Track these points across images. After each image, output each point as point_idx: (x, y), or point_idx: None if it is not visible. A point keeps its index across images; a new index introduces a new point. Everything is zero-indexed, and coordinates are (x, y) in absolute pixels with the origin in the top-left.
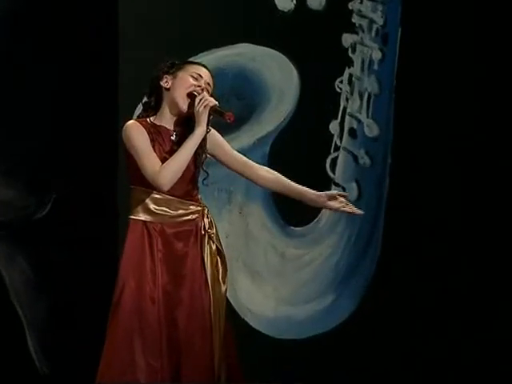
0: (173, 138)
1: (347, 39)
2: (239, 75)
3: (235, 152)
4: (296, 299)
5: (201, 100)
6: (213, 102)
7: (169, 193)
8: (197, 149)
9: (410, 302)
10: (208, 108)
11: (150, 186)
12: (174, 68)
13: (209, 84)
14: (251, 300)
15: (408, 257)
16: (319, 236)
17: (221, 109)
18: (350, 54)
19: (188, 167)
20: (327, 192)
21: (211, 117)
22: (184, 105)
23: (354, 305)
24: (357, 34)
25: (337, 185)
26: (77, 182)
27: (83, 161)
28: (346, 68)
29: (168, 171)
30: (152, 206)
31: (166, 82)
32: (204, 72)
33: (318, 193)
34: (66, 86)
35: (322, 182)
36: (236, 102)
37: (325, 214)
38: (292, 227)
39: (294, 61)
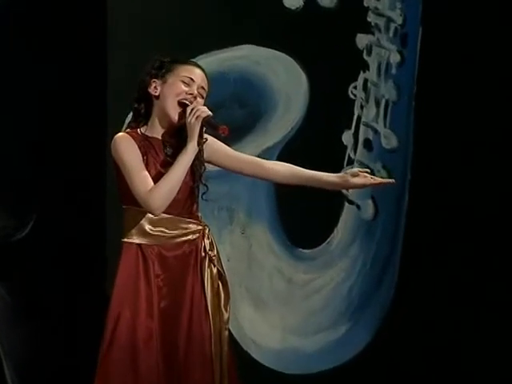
0: (166, 151)
1: (362, 40)
2: (242, 80)
3: (237, 152)
4: (305, 329)
5: (192, 111)
6: (205, 112)
7: (166, 211)
8: (193, 161)
9: (431, 332)
10: (200, 119)
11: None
12: (163, 70)
13: (203, 88)
14: (255, 330)
15: (429, 283)
16: (331, 259)
17: (214, 121)
18: (365, 57)
19: (185, 181)
20: (347, 171)
21: (205, 128)
22: (175, 115)
23: (370, 336)
24: (373, 34)
25: (350, 202)
26: (60, 200)
27: (68, 178)
28: (361, 72)
29: (160, 194)
30: (148, 227)
31: (155, 88)
32: (197, 74)
33: (338, 174)
34: (51, 94)
35: (334, 199)
36: (238, 110)
37: (337, 235)
38: (300, 249)
39: (303, 64)
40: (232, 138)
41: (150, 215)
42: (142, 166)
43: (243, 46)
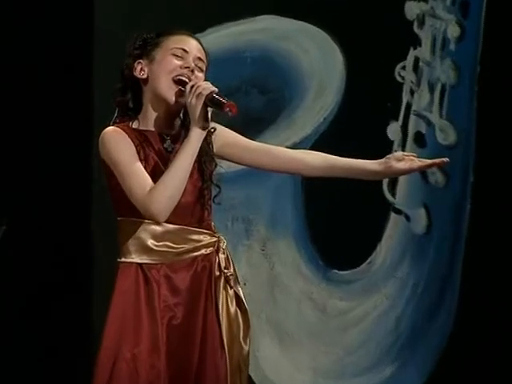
0: (166, 145)
1: (412, 8)
2: (262, 59)
3: (254, 142)
4: (341, 371)
5: (192, 88)
6: (208, 88)
7: (171, 220)
8: (201, 156)
9: (498, 377)
10: (203, 98)
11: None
12: (147, 47)
13: (200, 59)
14: (278, 372)
15: (497, 312)
16: (373, 283)
17: (219, 96)
18: (416, 30)
19: (192, 181)
20: (389, 156)
21: (209, 109)
22: (172, 96)
23: (421, 380)
24: (425, 1)
25: (398, 211)
26: (38, 210)
27: (47, 183)
28: (411, 49)
29: (161, 194)
30: (150, 242)
31: (142, 70)
32: (190, 44)
33: (379, 160)
34: (29, 90)
35: (378, 208)
36: (258, 97)
37: (381, 253)
38: (335, 271)
39: (339, 39)
40: (250, 131)
41: (152, 227)
42: (138, 162)
43: (264, 16)
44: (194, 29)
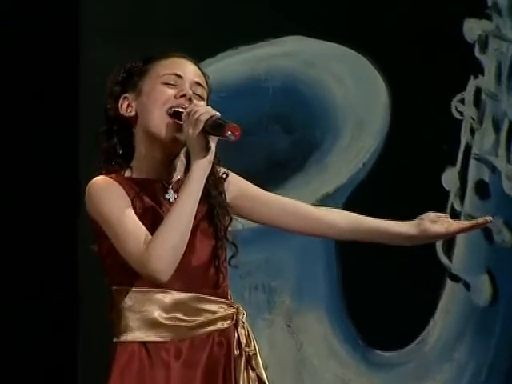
0: (168, 196)
1: (473, 28)
2: (287, 90)
3: (273, 195)
4: None
5: (189, 116)
6: (207, 113)
7: (181, 286)
8: (212, 207)
9: None
10: (201, 124)
11: (149, 283)
12: (133, 78)
13: (198, 84)
14: None
15: None
16: (424, 367)
17: (221, 120)
18: (478, 54)
19: (205, 239)
20: (421, 216)
21: (212, 138)
22: (167, 133)
23: None
24: (489, 19)
25: (455, 278)
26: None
27: (29, 250)
28: (471, 78)
29: (161, 247)
30: (158, 314)
31: (128, 106)
32: (185, 67)
33: (411, 222)
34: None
35: (431, 274)
36: (282, 137)
37: (434, 330)
38: (378, 351)
39: (381, 65)
40: (272, 178)
41: (159, 295)
42: (134, 215)
43: (287, 37)
44: (203, 54)
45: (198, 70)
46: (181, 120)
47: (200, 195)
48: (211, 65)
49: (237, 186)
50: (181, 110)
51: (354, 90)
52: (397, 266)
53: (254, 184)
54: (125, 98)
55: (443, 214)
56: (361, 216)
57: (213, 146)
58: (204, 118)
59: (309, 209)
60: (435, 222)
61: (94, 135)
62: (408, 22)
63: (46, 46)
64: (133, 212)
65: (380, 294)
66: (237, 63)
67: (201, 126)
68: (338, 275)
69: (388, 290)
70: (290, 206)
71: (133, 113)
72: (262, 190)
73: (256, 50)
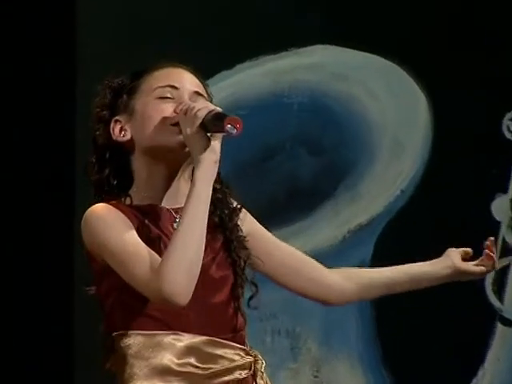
0: (176, 225)
1: None
2: (314, 107)
3: (282, 243)
4: None
5: (186, 112)
6: (206, 107)
7: (195, 328)
8: (229, 241)
9: None
10: (199, 120)
11: (156, 325)
12: (122, 97)
13: (198, 93)
14: None
15: None
16: None
17: (221, 114)
18: None
19: (221, 272)
20: (449, 251)
21: (212, 136)
22: (173, 136)
23: None
24: None
25: (507, 322)
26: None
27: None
28: None
29: (175, 268)
30: (169, 360)
31: (121, 130)
32: (180, 76)
33: (441, 261)
34: None
35: (479, 317)
36: (308, 160)
37: (483, 380)
38: None
39: (422, 78)
40: (296, 207)
41: (169, 340)
42: (140, 241)
43: (314, 46)
44: (218, 65)
45: (195, 78)
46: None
47: (209, 202)
48: (227, 78)
49: (248, 222)
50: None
51: (390, 106)
52: (439, 307)
53: (278, 215)
54: (116, 121)
55: (467, 249)
56: (368, 269)
57: (216, 145)
58: (202, 113)
59: (323, 272)
60: (465, 259)
61: (85, 166)
62: (451, 30)
63: (43, 47)
64: (138, 236)
65: (420, 341)
66: (256, 76)
67: (198, 122)
68: (372, 318)
69: (430, 336)
70: (298, 261)
71: (127, 137)
72: (272, 236)
73: (279, 62)
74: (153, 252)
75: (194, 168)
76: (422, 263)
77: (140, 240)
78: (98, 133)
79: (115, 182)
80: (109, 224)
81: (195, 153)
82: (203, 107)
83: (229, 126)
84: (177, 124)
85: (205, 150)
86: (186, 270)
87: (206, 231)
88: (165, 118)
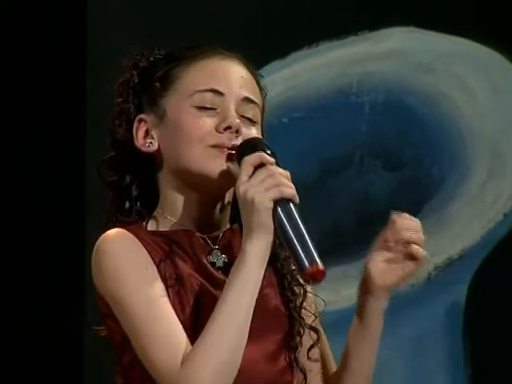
0: (213, 258)
1: None
2: (391, 108)
3: (331, 360)
4: None
5: (262, 174)
6: (287, 187)
7: None
8: (277, 269)
9: None
10: (274, 198)
11: None
12: (153, 88)
13: (249, 100)
14: None
15: None
16: None
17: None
18: None
19: (269, 317)
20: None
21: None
22: (215, 168)
23: None
24: None
25: None
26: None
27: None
28: None
29: (205, 365)
30: None
31: (147, 136)
32: (226, 74)
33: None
34: None
35: None
36: (384, 175)
37: None
38: None
39: None
40: (368, 235)
41: None
42: (164, 300)
43: (392, 29)
44: (269, 54)
45: (245, 71)
46: (233, 150)
47: (258, 291)
48: (280, 69)
49: (311, 308)
50: (227, 150)
51: (489, 106)
52: None
53: (344, 245)
54: (141, 120)
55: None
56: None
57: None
58: (283, 194)
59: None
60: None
61: (97, 172)
62: None
63: (52, 43)
64: (161, 292)
65: None
66: (317, 67)
67: (272, 201)
68: (465, 377)
69: None
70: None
71: (154, 147)
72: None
73: (345, 49)
74: (182, 331)
75: (235, 193)
76: (353, 324)
77: (167, 302)
78: (114, 133)
79: (136, 194)
80: (121, 265)
81: (252, 225)
82: (286, 183)
83: (308, 277)
84: (217, 146)
85: (263, 226)
86: (218, 372)
87: (249, 324)
88: (203, 137)
